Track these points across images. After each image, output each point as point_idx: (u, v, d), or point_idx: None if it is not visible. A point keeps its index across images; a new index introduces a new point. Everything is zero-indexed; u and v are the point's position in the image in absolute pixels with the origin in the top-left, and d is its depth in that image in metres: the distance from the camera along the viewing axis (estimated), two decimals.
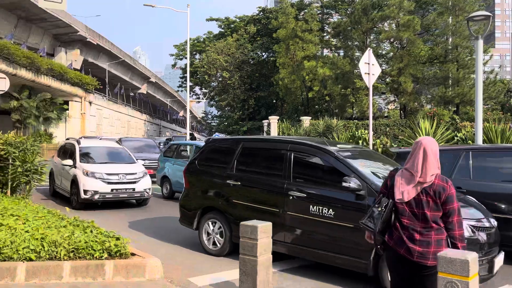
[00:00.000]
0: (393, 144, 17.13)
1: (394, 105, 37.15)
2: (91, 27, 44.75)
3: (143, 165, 11.59)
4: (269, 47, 42.67)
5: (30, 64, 30.85)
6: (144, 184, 10.69)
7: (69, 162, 10.70)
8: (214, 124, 57.68)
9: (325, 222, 5.16)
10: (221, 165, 6.61)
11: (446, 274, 2.64)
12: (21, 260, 4.81)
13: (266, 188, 5.92)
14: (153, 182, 12.06)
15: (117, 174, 10.38)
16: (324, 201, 5.22)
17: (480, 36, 10.13)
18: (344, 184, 4.96)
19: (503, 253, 5.02)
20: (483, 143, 10.55)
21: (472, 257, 2.65)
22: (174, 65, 59.73)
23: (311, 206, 5.31)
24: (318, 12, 39.42)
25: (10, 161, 8.02)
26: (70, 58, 42.01)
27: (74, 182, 10.33)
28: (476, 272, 2.68)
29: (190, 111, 34.37)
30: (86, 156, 11.04)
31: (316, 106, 36.18)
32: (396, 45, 29.34)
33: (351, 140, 16.35)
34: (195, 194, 6.87)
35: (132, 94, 62.15)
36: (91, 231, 5.54)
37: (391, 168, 4.27)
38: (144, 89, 67.42)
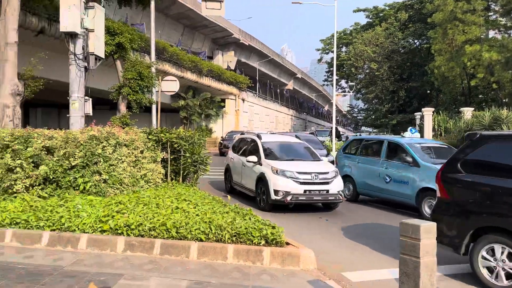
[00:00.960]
0: None
1: None
2: (243, 29, 48.13)
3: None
4: (423, 34, 39.51)
5: (194, 67, 34.89)
6: (338, 186, 9.40)
7: (253, 158, 10.03)
8: (360, 118, 56.16)
9: None
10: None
11: None
12: (194, 240, 5.45)
13: None
14: None
15: (309, 173, 9.20)
16: None
17: None
18: None
19: None
20: None
21: None
22: (320, 60, 60.05)
23: None
24: None
25: (182, 152, 9.14)
26: (226, 60, 45.91)
27: (261, 180, 9.49)
28: None
29: (336, 105, 34.10)
30: (270, 153, 10.15)
31: (480, 96, 32.31)
32: None
33: None
34: (462, 208, 5.32)
35: (279, 90, 64.68)
36: (250, 218, 5.97)
37: None
38: (290, 85, 69.68)
